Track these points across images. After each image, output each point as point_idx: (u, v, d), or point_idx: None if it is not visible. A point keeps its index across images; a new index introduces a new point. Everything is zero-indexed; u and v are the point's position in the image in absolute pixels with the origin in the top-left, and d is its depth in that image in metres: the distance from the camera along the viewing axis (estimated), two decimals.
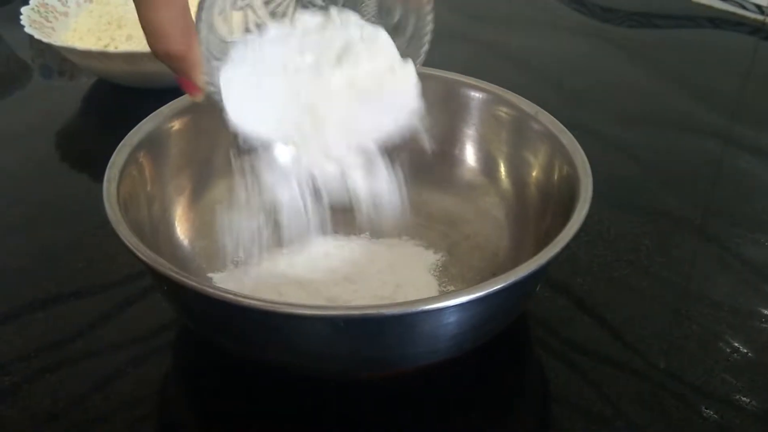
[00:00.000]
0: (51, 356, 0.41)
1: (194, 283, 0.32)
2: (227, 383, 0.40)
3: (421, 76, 0.49)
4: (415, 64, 0.39)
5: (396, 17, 0.39)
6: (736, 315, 0.45)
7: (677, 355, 0.42)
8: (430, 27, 0.38)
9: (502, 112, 0.47)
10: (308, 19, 0.38)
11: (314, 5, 0.38)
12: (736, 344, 0.43)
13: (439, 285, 0.43)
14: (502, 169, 0.47)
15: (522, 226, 0.45)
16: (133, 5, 0.32)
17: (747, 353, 0.42)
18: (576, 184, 0.39)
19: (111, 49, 0.62)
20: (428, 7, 0.38)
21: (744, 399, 0.39)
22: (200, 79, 0.35)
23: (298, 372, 0.38)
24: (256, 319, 0.33)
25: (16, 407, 0.38)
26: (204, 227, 0.46)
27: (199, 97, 0.36)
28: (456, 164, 0.49)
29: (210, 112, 0.46)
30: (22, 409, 0.38)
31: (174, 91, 0.46)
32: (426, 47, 0.39)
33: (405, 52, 0.39)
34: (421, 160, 0.50)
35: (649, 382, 0.40)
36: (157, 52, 0.33)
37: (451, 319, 0.33)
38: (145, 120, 0.43)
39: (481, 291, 0.32)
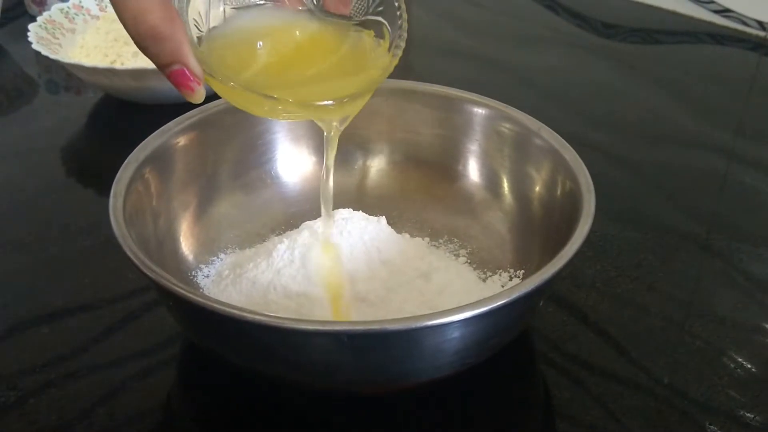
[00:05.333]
0: (56, 370, 0.41)
1: (199, 298, 0.33)
2: (231, 397, 0.40)
3: (425, 93, 0.49)
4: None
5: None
6: (741, 330, 0.45)
7: (681, 371, 0.42)
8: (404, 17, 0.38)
9: (505, 127, 0.47)
10: None
11: None
12: (741, 360, 0.43)
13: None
14: (505, 184, 0.48)
15: (525, 241, 0.45)
16: None
17: (751, 369, 0.42)
18: (579, 199, 0.39)
19: (117, 65, 0.63)
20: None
21: (748, 415, 0.39)
22: (192, 61, 0.33)
23: (303, 386, 0.39)
24: (260, 335, 0.33)
25: (22, 421, 0.38)
26: (209, 242, 0.46)
27: (199, 93, 0.34)
28: (459, 180, 0.49)
29: (216, 128, 0.47)
30: (28, 424, 0.38)
31: (180, 107, 0.47)
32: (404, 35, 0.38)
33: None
34: (424, 175, 0.50)
35: (653, 397, 0.40)
36: (143, 34, 0.32)
37: (455, 334, 0.33)
38: (151, 136, 0.43)
39: (485, 306, 0.32)
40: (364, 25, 0.39)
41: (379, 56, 0.38)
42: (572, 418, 0.39)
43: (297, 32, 0.39)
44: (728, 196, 0.58)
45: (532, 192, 0.45)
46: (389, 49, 0.38)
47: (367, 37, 0.39)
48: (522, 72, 0.76)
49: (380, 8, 0.38)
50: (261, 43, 0.38)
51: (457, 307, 0.32)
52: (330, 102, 0.36)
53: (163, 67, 0.33)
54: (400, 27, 0.37)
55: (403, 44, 0.37)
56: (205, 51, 0.36)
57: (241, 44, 0.38)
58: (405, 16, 0.37)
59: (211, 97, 0.51)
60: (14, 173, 0.59)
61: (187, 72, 0.33)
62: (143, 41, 0.32)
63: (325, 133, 0.39)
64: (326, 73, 0.39)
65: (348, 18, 0.39)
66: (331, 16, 0.39)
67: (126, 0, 0.31)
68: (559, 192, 0.42)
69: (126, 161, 0.41)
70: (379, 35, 0.38)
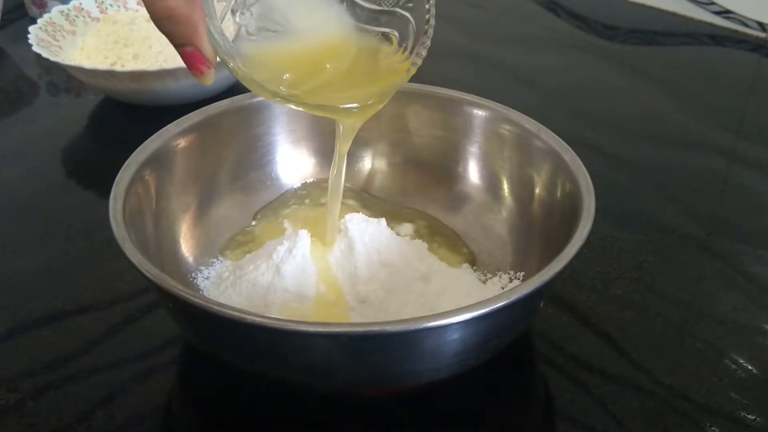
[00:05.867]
0: (56, 372, 0.41)
1: (199, 300, 0.33)
2: (231, 399, 0.40)
3: (426, 94, 0.49)
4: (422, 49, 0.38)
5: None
6: (741, 331, 0.45)
7: (682, 372, 0.42)
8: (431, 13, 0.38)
9: (505, 129, 0.47)
10: None
11: None
12: (741, 361, 0.42)
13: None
14: (506, 186, 0.48)
15: (525, 243, 0.45)
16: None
17: (752, 370, 0.42)
18: (579, 201, 0.39)
19: (118, 67, 0.63)
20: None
21: (749, 416, 0.39)
22: (206, 46, 0.33)
23: (303, 388, 0.39)
24: (261, 336, 0.33)
25: (21, 424, 0.38)
26: (209, 244, 0.46)
27: (209, 76, 0.35)
28: (459, 181, 0.49)
29: (216, 130, 0.47)
30: (27, 426, 0.38)
31: (180, 109, 0.47)
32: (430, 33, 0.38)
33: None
34: (424, 177, 0.50)
35: (654, 399, 0.40)
36: (158, 13, 0.32)
37: (455, 336, 0.33)
38: (151, 138, 0.43)
39: (485, 308, 0.32)
40: (390, 21, 0.39)
41: (398, 61, 0.38)
42: (573, 420, 0.39)
43: (324, 32, 0.39)
44: (729, 197, 0.58)
45: (532, 193, 0.45)
46: (410, 54, 0.38)
47: (387, 45, 0.39)
48: (522, 73, 0.76)
49: (410, 4, 0.38)
50: (288, 40, 0.38)
51: (457, 309, 0.32)
52: (354, 105, 0.37)
53: (176, 45, 0.34)
54: (426, 32, 0.37)
55: (424, 52, 0.38)
56: (237, 33, 0.36)
57: (270, 38, 0.38)
58: (433, 13, 0.37)
59: (211, 98, 0.52)
60: (14, 175, 0.59)
61: (199, 55, 0.33)
62: (158, 20, 0.33)
63: (342, 128, 0.40)
64: (348, 77, 0.39)
65: (378, 4, 0.39)
66: (360, 4, 0.39)
67: None
68: (559, 193, 0.42)
69: (126, 163, 0.41)
70: (403, 34, 0.38)
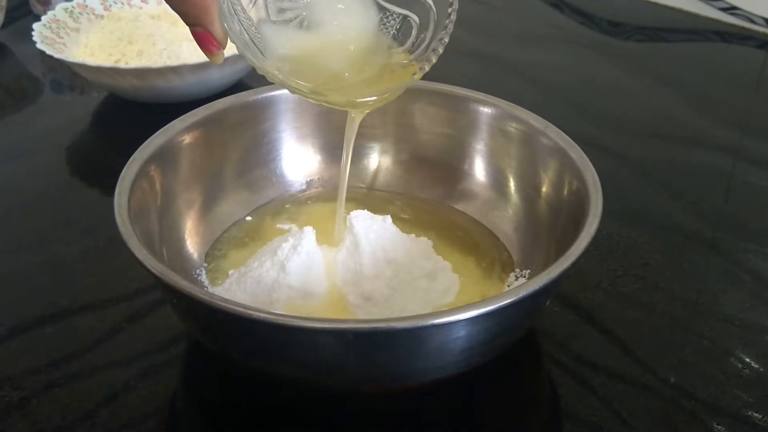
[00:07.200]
0: (60, 370, 0.41)
1: (205, 297, 0.32)
2: (236, 397, 0.40)
3: (431, 91, 0.49)
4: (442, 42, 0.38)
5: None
6: (747, 330, 0.45)
7: (688, 371, 0.42)
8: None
9: (511, 127, 0.47)
10: None
11: None
12: (748, 359, 0.42)
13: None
14: (512, 183, 0.47)
15: (531, 241, 0.45)
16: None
17: (758, 368, 0.42)
18: (585, 199, 0.39)
19: (122, 64, 0.63)
20: None
21: (756, 414, 0.39)
22: (216, 27, 0.34)
23: (308, 386, 0.38)
24: (266, 333, 0.33)
25: (25, 422, 0.38)
26: (213, 240, 0.46)
27: (218, 56, 0.35)
28: (465, 179, 0.49)
29: (221, 126, 0.47)
30: (31, 425, 0.38)
31: (184, 106, 0.47)
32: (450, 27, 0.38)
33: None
34: (430, 175, 0.50)
35: (660, 397, 0.40)
36: None
37: (461, 333, 0.33)
38: (155, 134, 0.43)
39: (491, 305, 0.32)
40: (412, 5, 0.38)
41: (411, 59, 0.38)
42: (578, 419, 0.39)
43: (345, 24, 0.39)
44: (734, 195, 0.58)
45: (538, 191, 0.45)
46: (427, 48, 0.38)
47: (401, 46, 0.39)
48: (527, 70, 0.76)
49: None
50: (308, 35, 0.39)
51: (463, 306, 0.32)
52: (372, 98, 0.38)
53: (187, 24, 0.34)
54: (446, 27, 0.37)
55: (441, 49, 0.38)
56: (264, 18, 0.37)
57: (291, 26, 0.38)
58: (456, 7, 0.37)
59: (216, 95, 0.52)
60: (19, 173, 0.59)
61: (209, 36, 0.34)
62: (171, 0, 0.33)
63: (353, 115, 0.41)
64: (364, 79, 0.39)
65: None
66: None
67: None
68: (565, 191, 0.42)
69: (131, 159, 0.41)
70: (423, 22, 0.38)
